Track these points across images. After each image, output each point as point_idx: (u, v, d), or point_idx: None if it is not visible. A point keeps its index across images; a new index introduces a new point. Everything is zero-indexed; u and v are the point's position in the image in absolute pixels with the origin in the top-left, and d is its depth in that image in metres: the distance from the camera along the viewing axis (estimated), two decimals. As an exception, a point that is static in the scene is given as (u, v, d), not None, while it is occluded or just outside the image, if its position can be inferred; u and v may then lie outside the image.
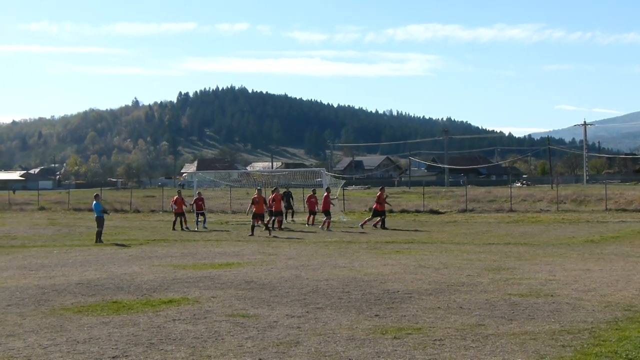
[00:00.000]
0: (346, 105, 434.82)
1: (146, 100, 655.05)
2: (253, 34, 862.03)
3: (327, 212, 33.11)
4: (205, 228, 34.35)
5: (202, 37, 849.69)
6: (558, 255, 19.93)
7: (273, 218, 32.09)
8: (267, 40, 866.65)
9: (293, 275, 15.98)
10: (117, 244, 25.58)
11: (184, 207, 34.49)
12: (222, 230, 33.13)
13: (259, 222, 30.64)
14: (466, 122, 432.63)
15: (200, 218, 35.23)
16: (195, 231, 32.87)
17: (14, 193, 78.74)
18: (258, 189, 31.99)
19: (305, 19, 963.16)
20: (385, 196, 33.67)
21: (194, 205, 35.57)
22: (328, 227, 32.08)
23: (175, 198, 35.08)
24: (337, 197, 35.59)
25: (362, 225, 32.92)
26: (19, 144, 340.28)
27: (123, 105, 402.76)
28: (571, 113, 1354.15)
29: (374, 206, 33.69)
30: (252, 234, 29.36)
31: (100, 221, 26.95)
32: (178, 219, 34.11)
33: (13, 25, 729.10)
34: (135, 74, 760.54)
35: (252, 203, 30.13)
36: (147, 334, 9.82)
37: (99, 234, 26.81)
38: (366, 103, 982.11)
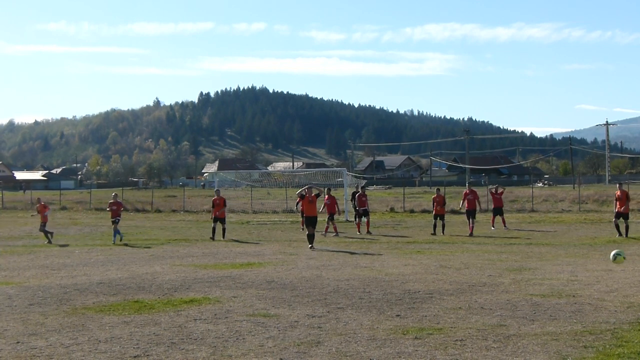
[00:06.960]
0: (367, 105, 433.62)
1: (167, 100, 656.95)
2: (270, 33, 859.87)
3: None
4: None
5: (220, 37, 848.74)
6: (580, 255, 19.81)
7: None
8: (284, 40, 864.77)
9: (314, 275, 15.99)
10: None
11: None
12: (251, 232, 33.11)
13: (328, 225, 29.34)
14: (487, 122, 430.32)
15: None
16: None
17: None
18: (327, 189, 29.82)
19: (322, 19, 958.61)
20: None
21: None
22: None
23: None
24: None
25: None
26: (41, 144, 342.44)
27: (144, 105, 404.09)
28: (592, 113, 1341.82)
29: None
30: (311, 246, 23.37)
31: None
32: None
33: (31, 25, 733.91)
34: (155, 74, 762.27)
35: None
36: (168, 334, 9.85)
37: None
38: (387, 103, 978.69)
